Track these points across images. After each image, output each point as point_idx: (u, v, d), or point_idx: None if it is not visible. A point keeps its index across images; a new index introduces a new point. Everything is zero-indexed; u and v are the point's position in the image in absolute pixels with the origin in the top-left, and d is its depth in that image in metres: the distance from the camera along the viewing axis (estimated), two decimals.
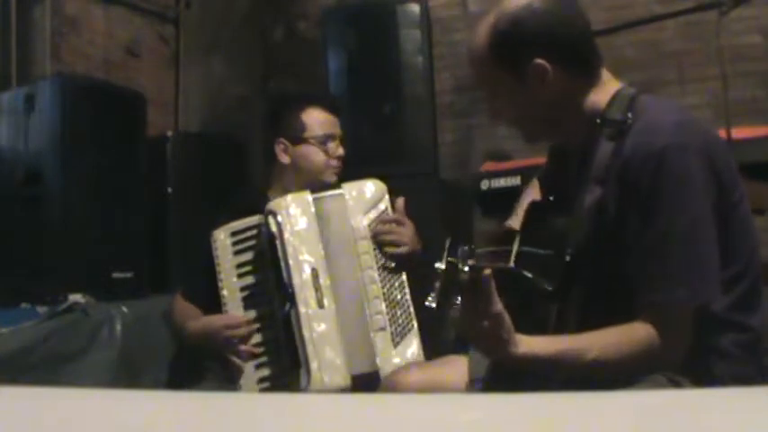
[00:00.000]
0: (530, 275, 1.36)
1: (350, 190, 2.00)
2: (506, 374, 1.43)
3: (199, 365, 2.11)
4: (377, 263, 1.96)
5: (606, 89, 1.41)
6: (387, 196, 2.02)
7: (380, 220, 1.98)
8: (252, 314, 1.97)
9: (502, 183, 2.94)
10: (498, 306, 1.22)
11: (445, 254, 1.22)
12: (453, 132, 3.93)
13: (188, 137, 3.29)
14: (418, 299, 1.95)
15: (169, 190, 2.93)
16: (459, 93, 3.95)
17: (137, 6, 3.62)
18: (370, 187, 2.02)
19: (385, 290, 1.94)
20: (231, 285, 1.99)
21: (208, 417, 0.70)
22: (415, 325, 1.92)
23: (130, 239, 2.66)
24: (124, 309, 2.38)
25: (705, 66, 3.38)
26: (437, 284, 1.21)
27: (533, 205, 1.56)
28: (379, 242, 1.97)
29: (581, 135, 1.42)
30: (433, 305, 1.22)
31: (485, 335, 1.23)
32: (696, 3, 2.42)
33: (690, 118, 1.36)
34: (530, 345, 1.27)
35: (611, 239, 1.33)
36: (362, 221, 1.97)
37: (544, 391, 0.71)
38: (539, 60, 1.37)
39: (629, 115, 1.34)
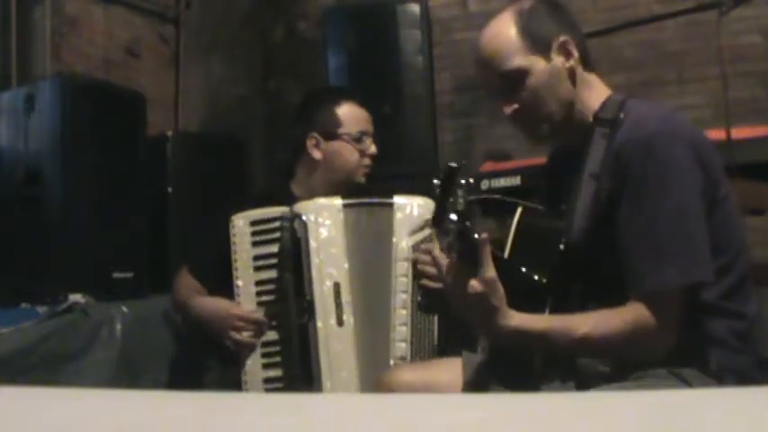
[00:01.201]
0: (524, 269, 1.37)
1: (403, 205, 1.90)
2: (497, 377, 1.45)
3: (199, 365, 2.10)
4: (412, 288, 1.86)
5: (599, 93, 1.49)
6: None
7: (425, 247, 1.86)
8: (265, 310, 1.92)
9: (502, 183, 2.93)
10: (492, 272, 1.24)
11: (442, 174, 1.24)
12: (453, 132, 3.94)
13: (188, 137, 3.28)
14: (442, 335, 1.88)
15: (169, 190, 2.93)
16: (459, 93, 3.96)
17: (137, 6, 3.62)
18: (422, 206, 1.91)
19: (414, 319, 1.85)
20: (247, 277, 1.93)
21: (208, 417, 0.70)
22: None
23: (130, 239, 2.66)
24: (124, 309, 2.38)
25: (705, 66, 3.38)
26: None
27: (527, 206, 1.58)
28: (419, 270, 1.86)
29: (578, 136, 1.47)
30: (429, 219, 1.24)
31: (476, 301, 1.25)
32: (696, 3, 2.42)
33: (676, 114, 1.42)
34: (520, 318, 1.29)
35: (604, 234, 1.36)
36: (407, 242, 1.88)
37: (536, 391, 0.71)
38: (564, 37, 1.45)
39: (621, 115, 1.40)
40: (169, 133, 3.07)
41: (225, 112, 4.05)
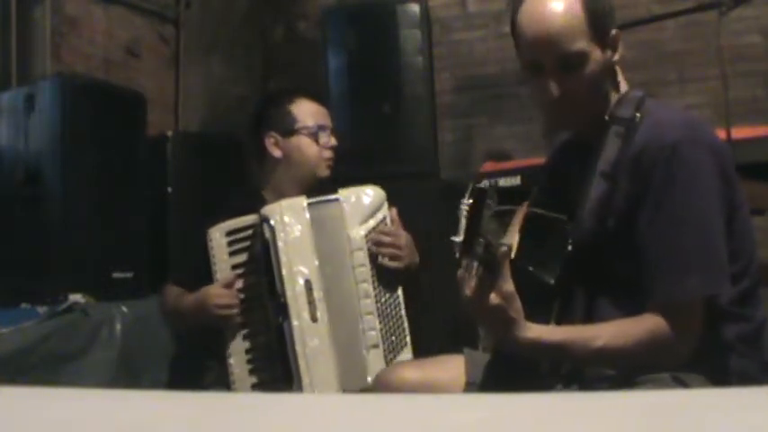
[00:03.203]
0: (531, 269, 1.36)
1: (348, 197, 1.94)
2: (503, 378, 1.44)
3: (199, 365, 2.10)
4: (372, 276, 1.89)
5: (620, 90, 1.46)
6: (386, 204, 1.96)
7: (377, 231, 1.92)
8: (248, 316, 1.94)
9: (502, 183, 2.93)
10: (510, 285, 1.23)
11: (468, 193, 1.22)
12: (453, 132, 3.94)
13: (188, 137, 3.28)
14: (411, 314, 1.92)
15: (169, 190, 2.93)
16: (459, 93, 3.96)
17: (137, 6, 3.62)
18: (369, 194, 1.95)
19: (379, 305, 1.89)
20: None
21: (208, 417, 0.70)
22: (408, 341, 1.89)
23: (130, 239, 2.66)
24: (124, 309, 2.38)
25: (705, 66, 3.39)
26: (462, 221, 1.21)
27: (534, 202, 1.56)
28: (376, 254, 1.90)
29: (593, 129, 1.44)
30: (458, 239, 1.21)
31: (494, 312, 1.24)
32: (696, 3, 2.42)
33: (697, 118, 1.41)
34: (537, 330, 1.28)
35: (616, 235, 1.34)
36: (359, 231, 1.91)
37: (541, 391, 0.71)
38: (616, 30, 1.42)
39: (638, 114, 1.37)
40: (169, 133, 3.07)
41: (225, 112, 4.05)
